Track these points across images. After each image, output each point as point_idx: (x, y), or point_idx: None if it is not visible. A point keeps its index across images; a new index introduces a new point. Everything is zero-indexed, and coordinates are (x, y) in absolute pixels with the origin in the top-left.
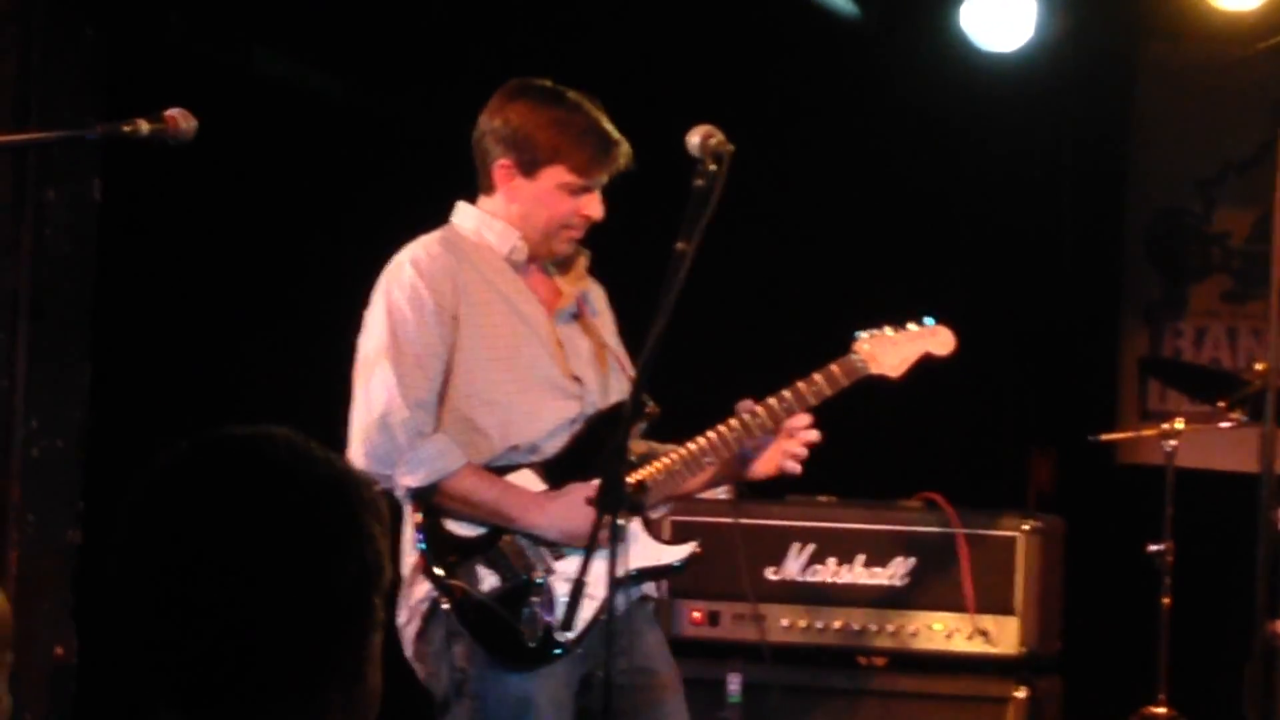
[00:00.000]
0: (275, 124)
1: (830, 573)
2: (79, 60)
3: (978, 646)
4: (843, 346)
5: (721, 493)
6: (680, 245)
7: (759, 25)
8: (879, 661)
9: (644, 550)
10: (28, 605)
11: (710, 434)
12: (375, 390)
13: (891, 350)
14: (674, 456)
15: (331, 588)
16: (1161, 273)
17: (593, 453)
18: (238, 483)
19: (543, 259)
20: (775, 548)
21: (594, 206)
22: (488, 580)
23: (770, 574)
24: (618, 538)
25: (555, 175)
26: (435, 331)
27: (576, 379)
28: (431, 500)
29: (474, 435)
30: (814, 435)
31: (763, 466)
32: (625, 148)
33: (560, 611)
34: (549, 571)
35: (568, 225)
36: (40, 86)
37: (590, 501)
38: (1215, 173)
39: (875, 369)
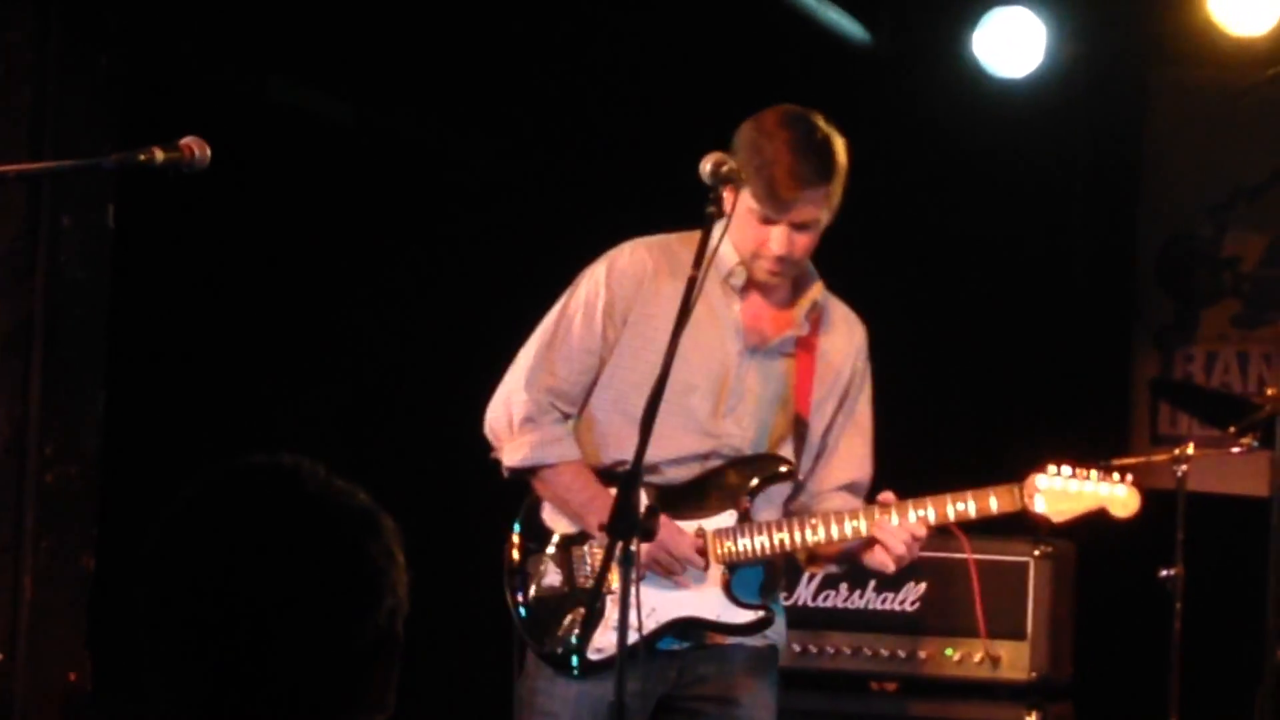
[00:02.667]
0: (289, 150)
1: (842, 598)
2: (93, 88)
3: (989, 672)
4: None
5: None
6: (693, 272)
7: (771, 52)
8: (891, 687)
9: (712, 602)
10: (42, 631)
11: (832, 515)
12: (517, 365)
13: (1066, 500)
14: (786, 540)
15: (369, 620)
16: (1173, 297)
17: (714, 494)
18: (274, 512)
19: (757, 285)
20: (787, 573)
21: (775, 241)
22: (550, 577)
23: (783, 599)
24: (630, 563)
25: (746, 198)
26: (596, 328)
27: (719, 418)
28: (531, 484)
29: (594, 437)
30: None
31: (870, 557)
32: (805, 197)
33: (596, 634)
34: (608, 590)
35: (757, 254)
36: (55, 115)
37: (602, 528)
38: (1226, 198)
39: (1038, 509)
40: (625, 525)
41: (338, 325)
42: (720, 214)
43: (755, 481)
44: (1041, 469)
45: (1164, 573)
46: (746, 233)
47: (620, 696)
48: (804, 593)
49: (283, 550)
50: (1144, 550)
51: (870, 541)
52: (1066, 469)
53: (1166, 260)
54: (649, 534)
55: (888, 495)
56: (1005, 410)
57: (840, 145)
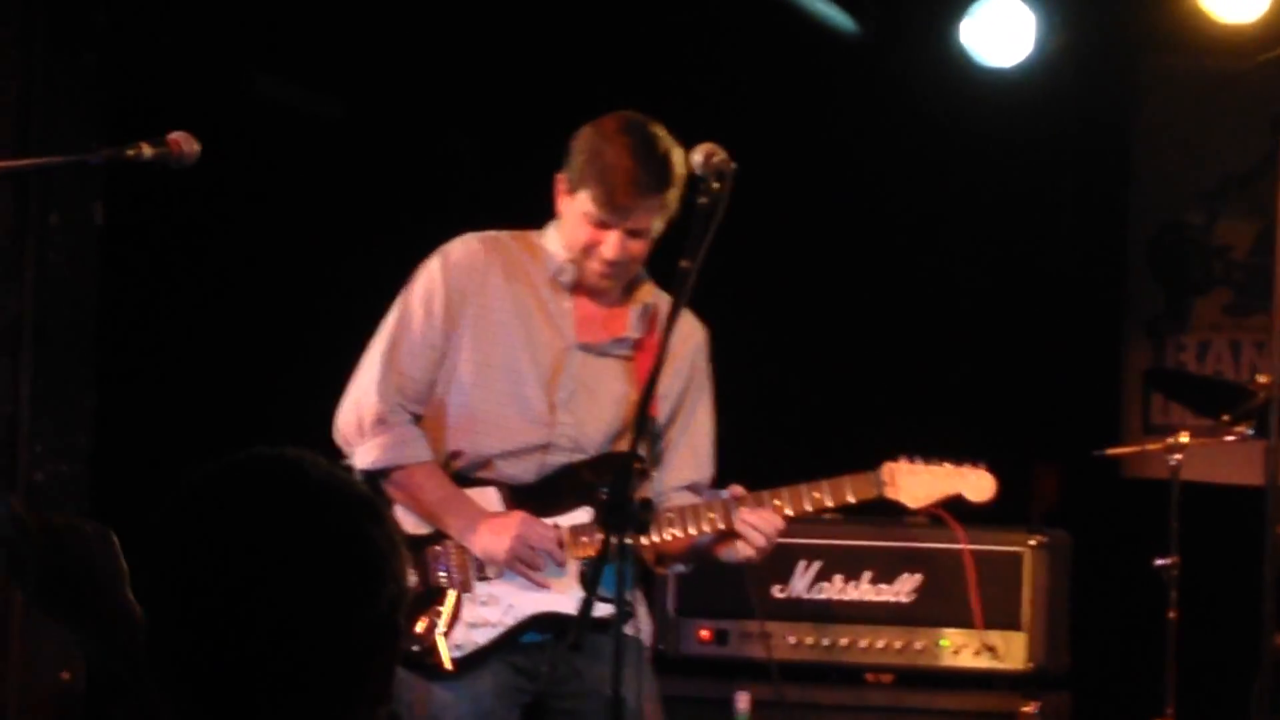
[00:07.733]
0: (277, 145)
1: (837, 590)
2: (80, 85)
3: (985, 662)
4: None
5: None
6: (684, 263)
7: (759, 42)
8: (886, 678)
9: (570, 597)
10: (34, 630)
11: (687, 510)
12: (364, 368)
13: (917, 483)
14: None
15: (373, 609)
16: (1164, 286)
17: (567, 492)
18: (278, 500)
19: (586, 286)
20: (782, 565)
21: (607, 246)
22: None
23: (777, 591)
24: (626, 557)
25: (582, 201)
26: (436, 322)
27: (553, 408)
28: (382, 486)
29: (438, 432)
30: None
31: (728, 551)
32: (643, 205)
33: (454, 631)
34: (464, 589)
35: (589, 257)
36: (42, 111)
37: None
38: (1216, 185)
39: (892, 494)
40: (619, 519)
41: (328, 320)
42: (710, 205)
43: (610, 478)
44: (895, 458)
45: (1159, 562)
46: (579, 235)
47: (617, 690)
48: (799, 585)
49: (286, 538)
50: (1139, 539)
51: (724, 535)
52: (920, 459)
53: (1158, 249)
54: (644, 527)
55: (737, 489)
56: (998, 401)
57: (679, 156)
